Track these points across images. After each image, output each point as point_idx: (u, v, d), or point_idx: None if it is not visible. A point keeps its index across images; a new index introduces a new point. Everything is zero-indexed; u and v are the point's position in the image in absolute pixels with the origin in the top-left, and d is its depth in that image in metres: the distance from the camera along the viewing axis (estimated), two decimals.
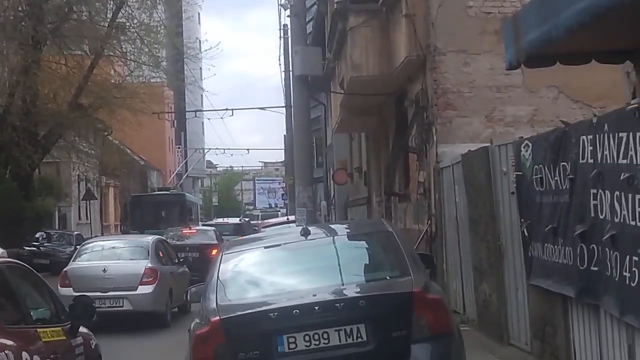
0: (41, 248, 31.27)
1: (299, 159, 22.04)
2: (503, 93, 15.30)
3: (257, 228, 32.50)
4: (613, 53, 8.17)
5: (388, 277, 7.34)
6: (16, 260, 7.88)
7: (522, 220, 9.58)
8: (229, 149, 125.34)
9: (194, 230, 28.67)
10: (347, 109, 22.53)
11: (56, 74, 32.55)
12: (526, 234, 9.40)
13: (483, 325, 11.84)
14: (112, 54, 34.58)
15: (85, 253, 17.28)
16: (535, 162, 9.00)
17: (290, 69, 31.39)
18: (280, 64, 39.53)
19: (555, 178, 8.37)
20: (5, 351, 5.68)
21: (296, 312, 6.53)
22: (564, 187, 8.17)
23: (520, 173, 9.50)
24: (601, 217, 7.21)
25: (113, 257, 16.82)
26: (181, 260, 19.94)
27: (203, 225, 41.07)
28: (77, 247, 32.80)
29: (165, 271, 16.96)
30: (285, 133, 45.77)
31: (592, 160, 7.37)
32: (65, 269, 16.62)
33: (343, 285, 7.04)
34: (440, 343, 6.57)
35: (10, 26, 29.68)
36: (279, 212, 75.44)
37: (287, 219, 28.80)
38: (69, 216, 45.73)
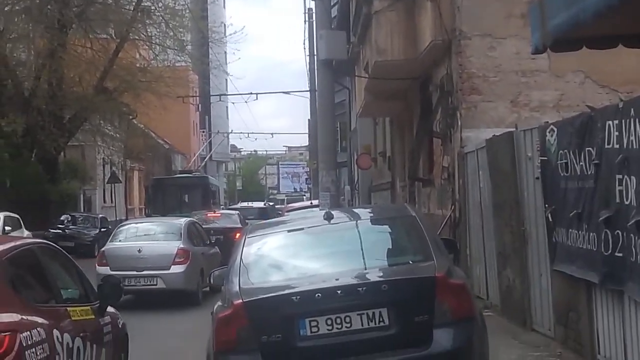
0: (66, 231, 31.48)
1: (323, 143, 22.01)
2: (529, 77, 15.18)
3: (280, 212, 32.60)
4: None
5: (411, 262, 7.33)
6: (46, 241, 8.03)
7: (546, 205, 9.53)
8: (253, 133, 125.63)
9: (218, 214, 28.87)
10: (371, 93, 22.47)
11: (82, 57, 32.69)
12: (550, 219, 9.35)
13: (506, 311, 11.81)
14: (137, 37, 34.70)
15: (121, 234, 18.09)
16: (560, 147, 8.94)
17: (315, 53, 31.38)
18: (304, 48, 39.60)
19: (581, 163, 8.31)
20: (38, 328, 5.92)
21: (319, 295, 6.53)
22: (589, 173, 8.12)
23: (545, 158, 9.44)
24: (626, 202, 7.16)
25: (147, 238, 17.69)
26: (212, 241, 20.28)
27: (227, 209, 41.29)
28: (102, 229, 33.38)
29: (196, 252, 17.63)
30: (309, 117, 45.78)
31: (617, 146, 7.31)
32: (102, 249, 17.67)
33: (366, 269, 7.04)
34: (463, 328, 6.56)
35: (37, 9, 29.81)
36: (304, 197, 75.54)
37: (311, 203, 28.86)
38: (93, 199, 45.99)
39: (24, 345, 5.65)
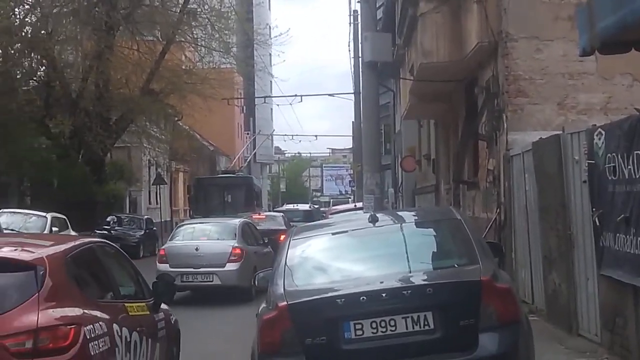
0: (112, 232, 31.78)
1: (367, 146, 21.97)
2: (576, 80, 15.05)
3: (325, 215, 32.63)
4: None
5: (456, 265, 7.28)
6: (106, 241, 8.47)
7: (593, 209, 9.43)
8: (297, 135, 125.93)
9: (263, 216, 29.21)
10: (416, 96, 22.41)
11: (128, 59, 32.99)
12: (598, 223, 9.26)
13: (552, 316, 11.70)
14: (183, 39, 34.93)
15: (179, 234, 19.41)
16: (608, 151, 8.85)
17: (360, 55, 31.34)
18: (349, 50, 39.45)
19: (629, 167, 8.22)
20: (99, 322, 6.32)
21: (363, 298, 6.52)
22: (637, 176, 8.03)
23: (593, 161, 9.35)
24: None
25: (204, 238, 18.83)
26: (266, 241, 20.85)
27: (273, 211, 41.62)
28: (147, 231, 33.65)
29: (250, 251, 18.71)
30: (353, 120, 45.76)
31: None
32: (162, 247, 19.22)
33: (410, 272, 7.00)
34: (509, 332, 6.51)
35: (84, 12, 30.14)
36: (350, 199, 75.59)
37: (355, 205, 28.87)
38: (139, 200, 46.39)
39: (88, 337, 6.02)
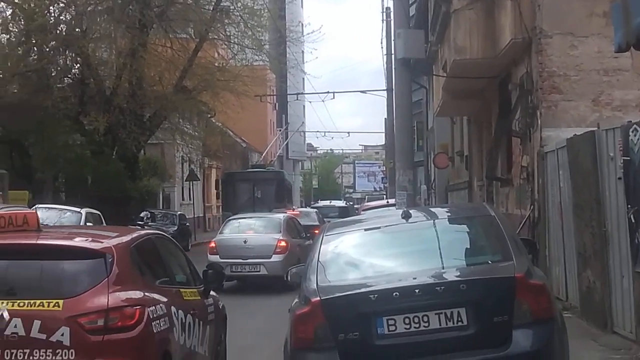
0: (145, 227, 31.93)
1: (399, 143, 21.97)
2: (611, 76, 14.93)
3: (357, 211, 32.64)
4: None
5: (490, 262, 7.26)
6: (162, 233, 9.48)
7: (629, 206, 9.37)
8: (329, 131, 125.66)
9: (297, 212, 29.45)
10: (449, 92, 22.34)
11: (162, 56, 33.14)
12: (633, 220, 9.20)
13: (586, 313, 11.64)
14: (216, 37, 35.03)
15: (228, 227, 21.08)
16: None
17: (392, 52, 31.31)
18: (382, 47, 39.30)
19: None
20: (160, 304, 7.21)
21: (396, 294, 6.53)
22: None
23: (628, 158, 9.29)
24: None
25: (251, 231, 20.47)
26: (308, 235, 21.53)
27: (308, 207, 41.75)
28: (180, 226, 33.79)
29: (294, 243, 20.10)
30: (385, 116, 45.68)
31: None
32: (214, 240, 20.48)
33: (443, 268, 7.00)
34: (543, 329, 6.49)
35: (118, 10, 30.32)
36: (383, 196, 75.65)
37: (387, 202, 28.87)
38: (172, 196, 46.62)
39: (150, 317, 6.92)
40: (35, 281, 6.94)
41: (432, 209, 11.01)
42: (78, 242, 7.44)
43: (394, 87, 27.69)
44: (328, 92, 51.04)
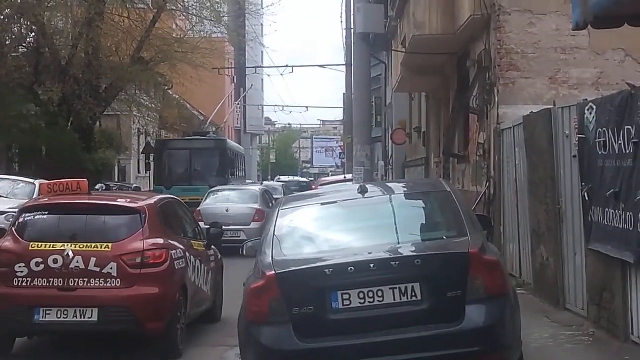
0: None
1: (357, 118, 21.93)
2: (568, 55, 15.03)
3: (314, 186, 32.63)
4: None
5: (445, 237, 7.28)
6: (175, 197, 11.82)
7: (583, 184, 9.44)
8: (288, 106, 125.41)
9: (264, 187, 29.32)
10: (408, 68, 22.35)
11: (119, 27, 32.70)
12: (587, 198, 9.27)
13: (539, 289, 11.75)
14: (174, 8, 34.64)
15: (211, 198, 23.47)
16: (599, 125, 8.84)
17: (352, 27, 31.22)
18: (342, 22, 39.09)
19: (619, 142, 8.21)
20: (179, 250, 9.69)
21: (351, 269, 6.53)
22: (627, 151, 8.02)
23: (583, 136, 9.34)
24: None
25: (232, 201, 23.06)
26: None
27: (276, 181, 40.76)
28: None
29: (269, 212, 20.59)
30: (344, 91, 45.65)
31: None
32: (199, 209, 21.66)
33: (399, 243, 7.00)
34: (496, 304, 6.52)
35: None
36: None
37: (344, 177, 28.90)
38: (128, 169, 46.23)
39: (173, 258, 9.41)
40: (91, 230, 9.33)
41: (389, 184, 11.00)
42: (120, 202, 10.15)
43: (353, 62, 27.59)
44: (287, 66, 50.83)
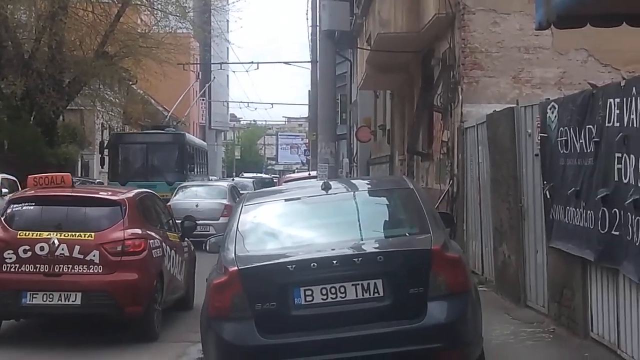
0: None
1: (322, 115, 21.94)
2: (531, 54, 15.15)
3: (278, 183, 32.61)
4: None
5: (407, 234, 7.33)
6: (152, 192, 12.41)
7: (544, 182, 9.52)
8: (252, 102, 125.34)
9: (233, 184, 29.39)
10: (373, 66, 22.39)
11: (83, 21, 32.44)
12: (548, 196, 9.35)
13: (501, 287, 11.83)
14: (139, 2, 34.43)
15: (181, 193, 24.33)
16: (560, 124, 8.92)
17: (317, 24, 31.21)
18: (307, 19, 39.09)
19: (581, 141, 8.30)
20: (156, 239, 10.40)
21: (314, 265, 6.54)
22: (588, 150, 8.10)
23: (545, 135, 9.42)
24: (625, 181, 7.16)
25: (201, 197, 23.72)
26: None
27: (244, 178, 40.46)
28: None
29: None
30: (310, 89, 45.65)
31: (618, 124, 7.30)
32: (169, 204, 20.77)
33: (362, 240, 7.03)
34: (457, 301, 6.56)
35: None
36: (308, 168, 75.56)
37: (309, 174, 28.93)
38: (91, 164, 45.86)
39: (151, 247, 10.09)
40: (75, 220, 9.99)
41: (353, 181, 11.08)
42: (102, 194, 10.90)
43: (318, 60, 27.59)
44: (252, 63, 51.04)
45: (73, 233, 9.73)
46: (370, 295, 6.47)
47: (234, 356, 6.58)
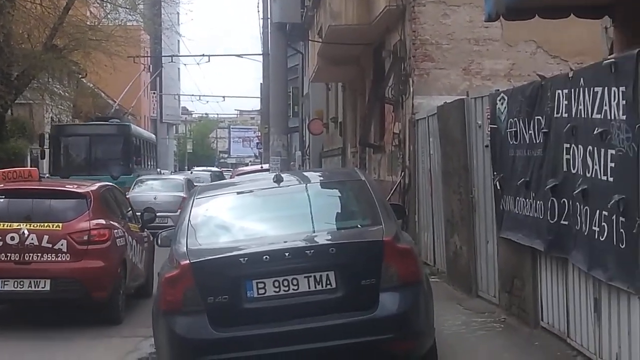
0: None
1: (274, 108, 21.92)
2: (481, 46, 15.28)
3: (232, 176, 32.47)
4: (591, 8, 8.15)
5: (359, 226, 7.34)
6: (114, 185, 13.47)
7: (495, 173, 9.59)
8: (204, 95, 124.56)
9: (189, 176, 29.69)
10: (324, 58, 22.41)
11: (31, 13, 31.99)
12: (499, 187, 9.42)
13: (452, 278, 11.92)
14: None
15: (138, 186, 25.46)
16: (510, 116, 8.99)
17: (269, 16, 31.13)
18: (258, 11, 39.01)
19: (530, 132, 8.37)
20: (119, 229, 11.05)
21: (266, 257, 6.53)
22: (537, 141, 8.18)
23: (495, 126, 9.49)
24: (573, 171, 7.23)
25: (159, 190, 25.11)
26: None
27: (201, 172, 40.56)
28: None
29: None
30: (261, 81, 45.52)
31: (566, 115, 7.37)
32: (128, 196, 21.85)
33: (314, 232, 7.03)
34: (409, 292, 6.59)
35: None
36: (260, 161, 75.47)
37: (261, 167, 28.90)
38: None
39: (115, 236, 10.79)
40: (43, 211, 10.61)
41: (304, 173, 11.08)
42: (68, 187, 11.47)
43: (270, 52, 27.54)
44: (203, 55, 50.49)
45: (42, 224, 10.34)
46: (322, 287, 6.48)
47: (186, 350, 6.55)
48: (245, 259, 6.56)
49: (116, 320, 10.72)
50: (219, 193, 8.24)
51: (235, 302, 6.46)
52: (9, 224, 10.37)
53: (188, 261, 6.61)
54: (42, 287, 10.22)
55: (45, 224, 10.36)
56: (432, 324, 7.03)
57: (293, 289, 6.48)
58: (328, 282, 6.48)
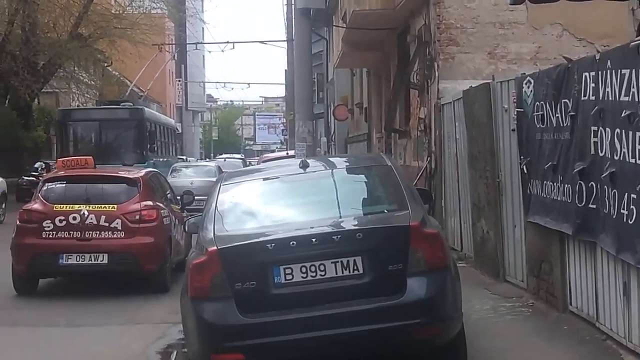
0: (40, 178, 31.11)
1: (299, 94, 21.91)
2: (507, 29, 15.18)
3: (258, 163, 32.54)
4: None
5: (386, 211, 7.32)
6: (158, 171, 14.89)
7: (521, 157, 9.55)
8: (229, 82, 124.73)
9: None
10: (348, 44, 22.36)
11: (56, 2, 32.22)
12: (525, 171, 9.38)
13: (480, 262, 11.89)
14: None
15: (175, 172, 27.98)
16: (536, 99, 8.94)
17: (293, 3, 31.10)
18: None
19: (557, 115, 8.32)
20: (165, 210, 12.45)
21: (293, 243, 6.53)
22: (564, 124, 8.13)
23: (522, 110, 9.44)
24: (601, 154, 7.19)
25: (194, 175, 27.86)
26: None
27: (228, 158, 41.53)
28: None
29: None
30: (286, 68, 45.52)
31: (593, 97, 7.32)
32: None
33: (341, 217, 7.03)
34: (436, 277, 6.57)
35: None
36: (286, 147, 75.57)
37: (287, 153, 28.94)
38: None
39: (162, 215, 12.18)
40: (100, 194, 12.06)
41: (330, 159, 11.00)
42: (122, 173, 13.25)
43: (294, 38, 27.51)
44: (228, 42, 50.65)
45: (99, 205, 11.78)
46: (349, 272, 6.47)
47: (214, 336, 6.57)
48: (273, 244, 6.56)
49: (164, 289, 11.89)
50: (245, 179, 8.25)
51: (262, 288, 6.47)
52: (71, 205, 11.73)
53: (215, 248, 6.63)
54: (101, 261, 11.57)
55: (102, 206, 11.76)
56: (460, 309, 7.00)
57: (320, 275, 6.48)
58: (355, 268, 6.48)
